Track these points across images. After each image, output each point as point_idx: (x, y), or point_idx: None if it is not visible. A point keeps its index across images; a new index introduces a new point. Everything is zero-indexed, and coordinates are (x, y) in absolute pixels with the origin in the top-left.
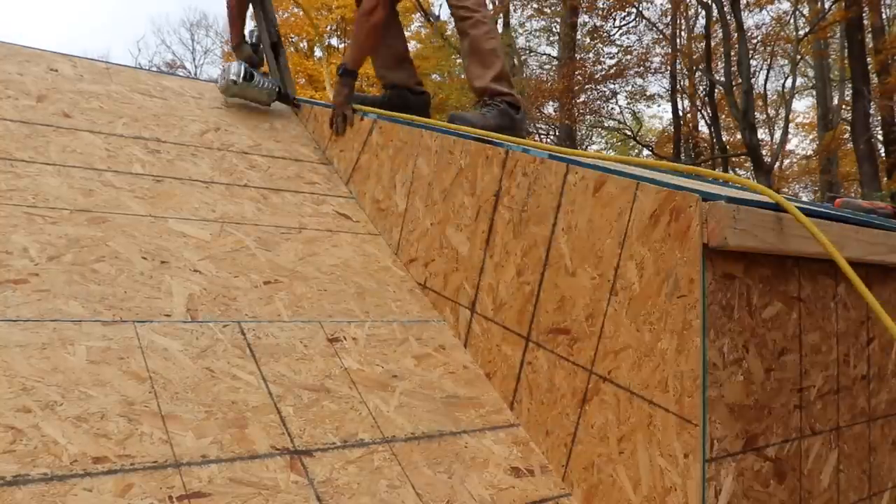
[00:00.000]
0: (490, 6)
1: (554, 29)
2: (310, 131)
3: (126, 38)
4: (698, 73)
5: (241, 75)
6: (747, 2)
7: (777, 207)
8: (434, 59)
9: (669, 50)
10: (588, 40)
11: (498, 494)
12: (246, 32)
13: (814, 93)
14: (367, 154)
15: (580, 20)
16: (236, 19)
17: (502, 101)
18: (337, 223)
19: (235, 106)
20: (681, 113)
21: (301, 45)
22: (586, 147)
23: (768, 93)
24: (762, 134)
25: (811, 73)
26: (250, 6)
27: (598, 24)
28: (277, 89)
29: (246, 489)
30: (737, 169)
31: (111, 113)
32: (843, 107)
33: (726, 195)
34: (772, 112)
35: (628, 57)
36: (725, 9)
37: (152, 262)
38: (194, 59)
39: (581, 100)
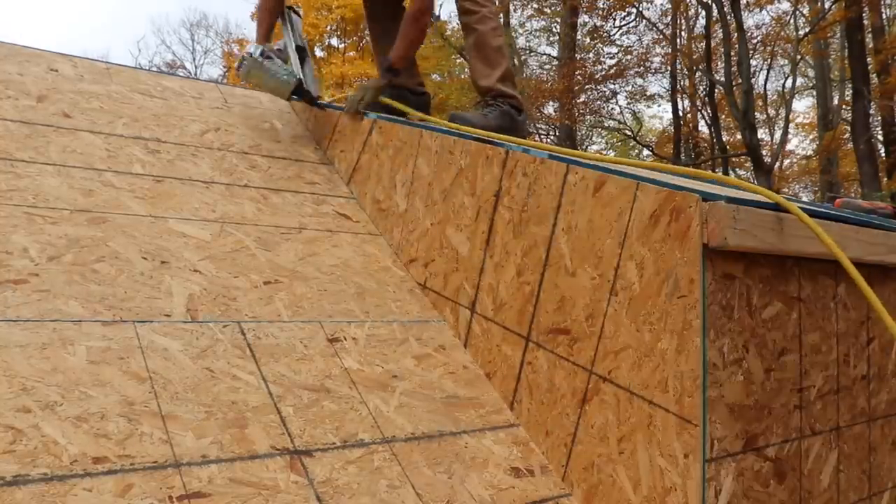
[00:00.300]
0: None
1: (554, 29)
2: (310, 131)
3: (126, 39)
4: (698, 73)
5: (259, 52)
6: (747, 2)
7: (777, 207)
8: (434, 59)
9: (669, 50)
10: (588, 40)
11: (498, 494)
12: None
13: (814, 93)
14: (368, 154)
15: (580, 20)
16: (266, 17)
17: (505, 103)
18: (337, 223)
19: (236, 106)
20: (681, 113)
21: None
22: (586, 147)
23: (768, 93)
24: (762, 134)
25: (811, 73)
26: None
27: (598, 24)
28: (298, 83)
29: (246, 489)
30: (737, 169)
31: (111, 113)
32: (844, 107)
33: (726, 195)
34: (772, 112)
35: (628, 57)
36: (725, 9)
37: (152, 262)
38: (194, 60)
39: (581, 100)
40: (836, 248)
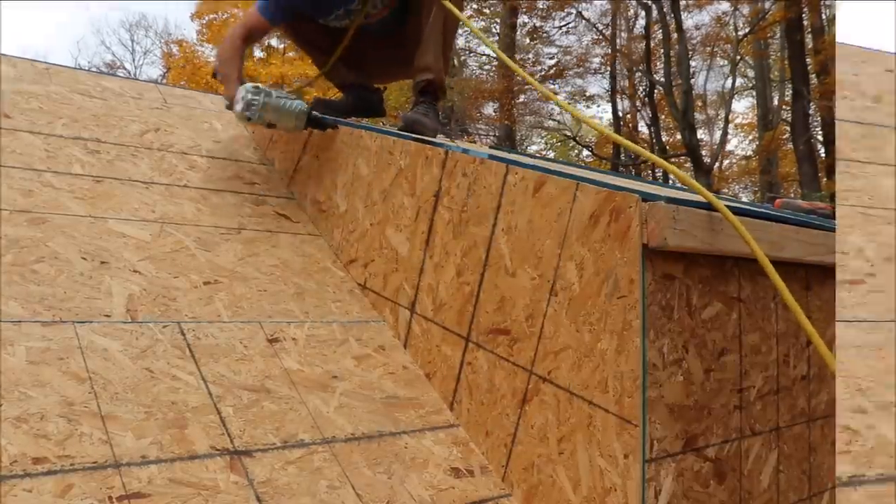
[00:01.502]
0: None
1: (493, 29)
2: (250, 132)
3: (66, 41)
4: (638, 74)
5: (260, 90)
6: (687, 2)
7: (712, 207)
8: None
9: (609, 50)
10: (528, 41)
11: (438, 495)
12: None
13: (753, 93)
14: (308, 155)
15: (519, 20)
16: (237, 62)
17: (437, 100)
18: (277, 224)
19: (175, 106)
20: (621, 114)
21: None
22: (526, 147)
23: (708, 93)
24: (702, 134)
25: (751, 73)
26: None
27: (538, 24)
28: (308, 111)
29: (186, 489)
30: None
31: (50, 113)
32: (783, 107)
33: (666, 195)
34: (712, 112)
35: (568, 57)
36: (665, 9)
37: (92, 262)
38: (134, 60)
39: (521, 100)
40: (755, 245)
